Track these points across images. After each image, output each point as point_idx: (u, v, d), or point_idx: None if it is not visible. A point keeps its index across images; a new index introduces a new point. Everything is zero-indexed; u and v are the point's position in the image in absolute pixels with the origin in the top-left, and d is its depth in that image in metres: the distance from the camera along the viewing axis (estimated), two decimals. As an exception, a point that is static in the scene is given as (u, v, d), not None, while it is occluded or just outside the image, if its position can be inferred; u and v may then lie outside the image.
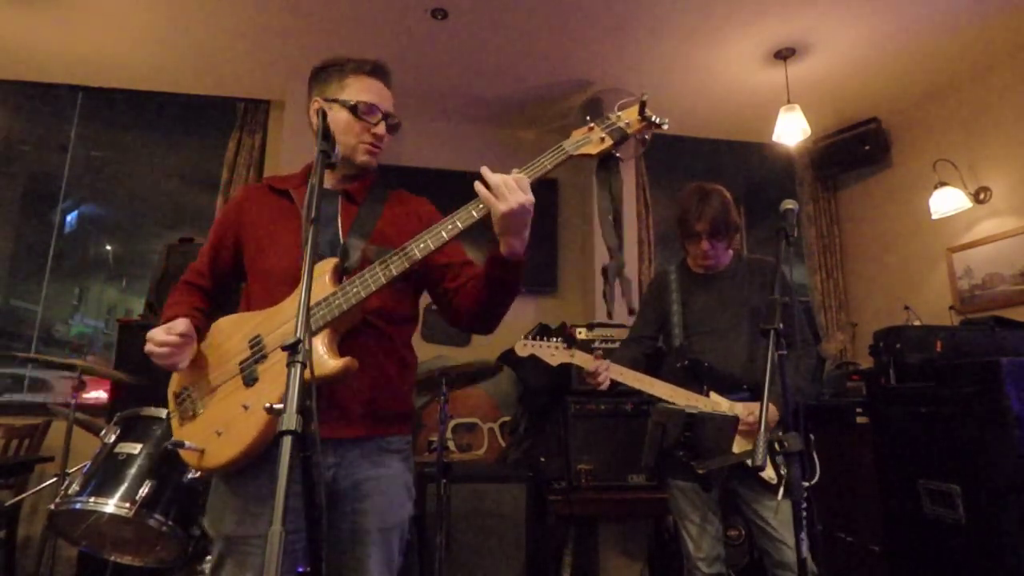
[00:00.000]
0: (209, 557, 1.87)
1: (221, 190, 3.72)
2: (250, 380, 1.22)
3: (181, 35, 3.25)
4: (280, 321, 1.24)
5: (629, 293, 1.28)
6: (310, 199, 1.04)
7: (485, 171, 1.18)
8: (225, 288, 1.49)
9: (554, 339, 2.08)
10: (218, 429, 1.20)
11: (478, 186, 1.17)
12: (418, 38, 3.23)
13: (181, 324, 1.26)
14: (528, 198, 1.17)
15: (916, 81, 3.60)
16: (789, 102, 3.42)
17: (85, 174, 3.89)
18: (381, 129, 1.40)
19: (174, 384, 1.34)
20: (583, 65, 3.47)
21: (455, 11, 3.01)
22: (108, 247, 4.08)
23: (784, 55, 3.31)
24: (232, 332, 1.30)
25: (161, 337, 1.24)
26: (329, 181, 1.42)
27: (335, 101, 1.38)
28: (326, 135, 1.16)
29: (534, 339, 2.10)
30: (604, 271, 1.35)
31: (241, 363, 1.24)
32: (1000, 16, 3.00)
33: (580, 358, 2.02)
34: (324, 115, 1.19)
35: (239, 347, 1.26)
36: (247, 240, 1.41)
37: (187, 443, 1.22)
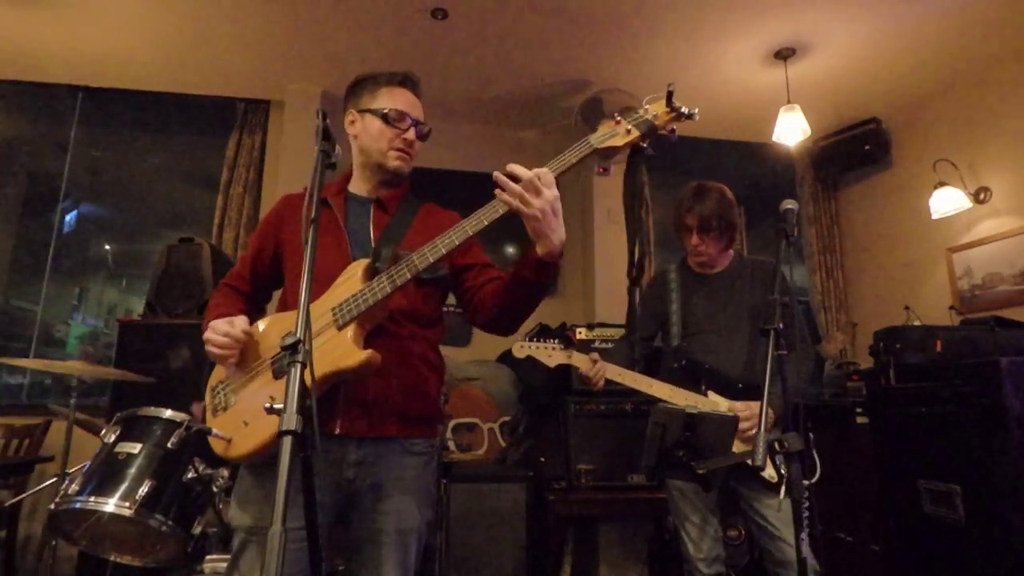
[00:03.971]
0: (209, 557, 1.88)
1: (221, 190, 3.72)
2: (280, 374, 1.26)
3: (181, 35, 3.25)
4: (312, 317, 1.26)
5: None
6: (310, 198, 1.05)
7: (501, 179, 1.17)
8: (265, 295, 1.55)
9: (551, 341, 2.09)
10: (245, 420, 1.24)
11: (499, 193, 1.17)
12: (418, 38, 3.23)
13: (242, 321, 1.30)
14: (551, 194, 1.16)
15: (916, 81, 3.60)
16: (789, 102, 3.42)
17: (85, 174, 3.89)
18: (411, 135, 1.45)
19: (212, 379, 1.38)
20: (583, 65, 3.47)
21: (455, 11, 3.01)
22: (108, 247, 4.08)
23: (784, 55, 3.32)
24: (269, 330, 1.34)
25: (225, 328, 1.27)
26: (363, 189, 1.50)
27: (368, 111, 1.45)
28: (326, 135, 1.16)
29: (532, 341, 2.10)
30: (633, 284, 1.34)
31: (273, 358, 1.28)
32: (1000, 16, 3.00)
33: (576, 359, 2.02)
34: (324, 115, 1.19)
35: (272, 343, 1.30)
36: (285, 246, 1.46)
37: (215, 431, 1.27)
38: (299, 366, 0.88)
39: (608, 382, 2.01)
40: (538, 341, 2.10)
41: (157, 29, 3.20)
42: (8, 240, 3.81)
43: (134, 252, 4.10)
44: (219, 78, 3.68)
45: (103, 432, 1.94)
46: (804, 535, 1.43)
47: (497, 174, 1.17)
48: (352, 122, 1.49)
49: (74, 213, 3.92)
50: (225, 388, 1.33)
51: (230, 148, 3.79)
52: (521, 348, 2.10)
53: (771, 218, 4.43)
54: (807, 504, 1.45)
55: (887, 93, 3.73)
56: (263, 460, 1.23)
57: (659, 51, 3.33)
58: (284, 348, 0.90)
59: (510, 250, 3.97)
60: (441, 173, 3.92)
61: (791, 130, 3.38)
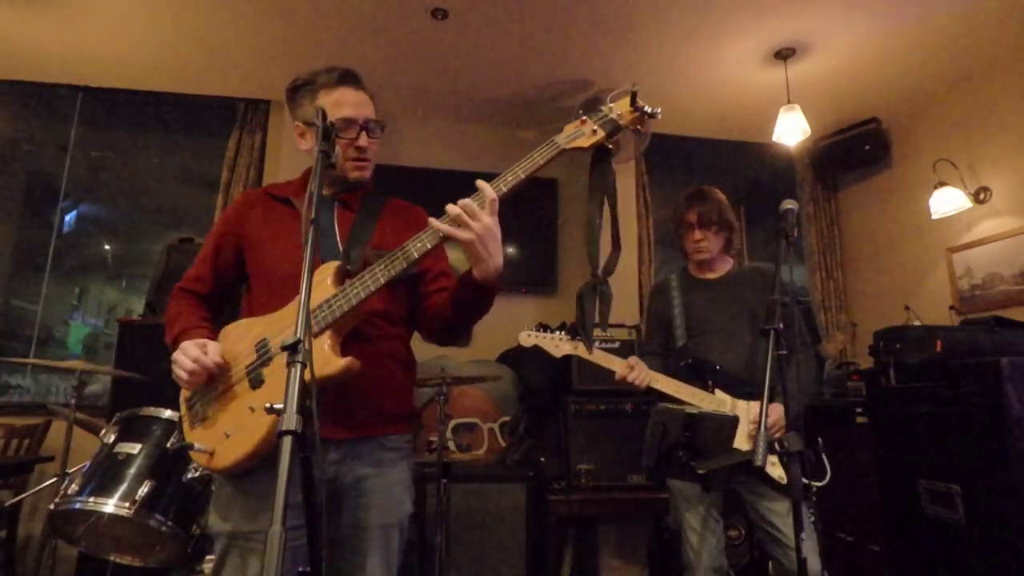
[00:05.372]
0: (209, 557, 1.88)
1: (221, 190, 3.72)
2: (256, 383, 1.23)
3: (181, 35, 3.25)
4: (285, 325, 1.25)
5: (607, 308, 1.22)
6: (310, 199, 1.05)
7: (449, 206, 1.16)
8: (226, 294, 1.49)
9: (558, 331, 2.12)
10: (227, 431, 1.23)
11: (432, 221, 1.17)
12: (418, 38, 3.23)
13: (215, 349, 1.25)
14: (488, 221, 1.16)
15: (916, 81, 3.60)
16: (789, 102, 3.41)
17: (85, 174, 3.89)
18: (363, 141, 1.37)
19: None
20: (583, 65, 3.47)
21: (455, 11, 3.00)
22: (108, 247, 4.08)
23: (784, 55, 3.31)
24: (240, 337, 1.31)
25: (196, 354, 1.23)
26: (326, 190, 1.44)
27: (312, 124, 1.35)
28: (326, 135, 1.16)
29: (538, 331, 2.12)
30: (579, 297, 1.31)
31: (248, 367, 1.26)
32: (1000, 16, 3.00)
33: (606, 360, 2.01)
34: (324, 115, 1.19)
35: (247, 351, 1.28)
36: (249, 247, 1.41)
37: (197, 445, 1.24)
38: (299, 366, 0.88)
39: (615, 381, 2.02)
40: (545, 331, 2.12)
41: (157, 29, 3.20)
42: (8, 240, 3.81)
43: (134, 252, 4.10)
44: (219, 78, 3.68)
45: (103, 432, 1.95)
46: (812, 540, 1.43)
47: (449, 206, 1.16)
48: (300, 135, 1.43)
49: (74, 213, 3.92)
50: (201, 399, 1.31)
51: (230, 148, 3.78)
52: (528, 337, 2.11)
53: (771, 218, 4.43)
54: (812, 510, 1.45)
55: (887, 93, 3.73)
56: (248, 469, 1.22)
57: (659, 51, 3.33)
58: (284, 348, 0.89)
59: (509, 250, 3.97)
60: (441, 173, 3.92)
61: (791, 130, 3.38)
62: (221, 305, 1.50)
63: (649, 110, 1.24)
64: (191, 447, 1.25)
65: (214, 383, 1.29)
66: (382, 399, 1.34)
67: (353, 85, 1.41)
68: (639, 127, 1.27)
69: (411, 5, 2.97)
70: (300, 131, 1.43)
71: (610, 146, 1.25)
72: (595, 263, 1.29)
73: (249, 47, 3.36)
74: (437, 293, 1.40)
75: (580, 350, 2.04)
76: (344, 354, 1.20)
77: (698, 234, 2.13)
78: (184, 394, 1.35)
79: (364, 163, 1.40)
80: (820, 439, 1.97)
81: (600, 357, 2.02)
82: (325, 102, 1.37)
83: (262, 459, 1.19)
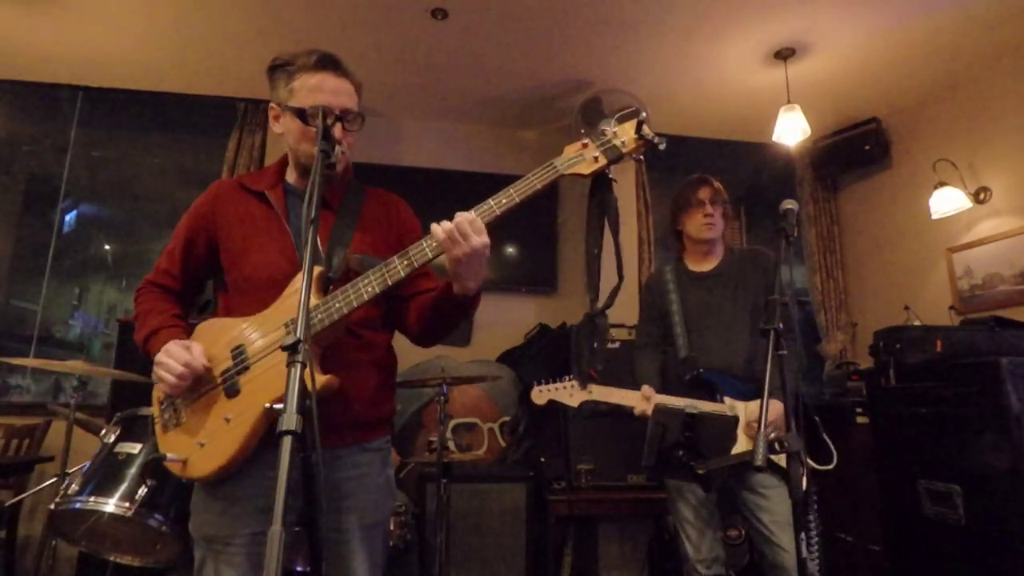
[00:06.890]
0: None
1: (221, 190, 3.71)
2: (232, 392, 1.21)
3: (181, 35, 3.25)
4: (263, 331, 1.22)
5: (602, 341, 1.18)
6: (309, 200, 1.04)
7: (433, 226, 1.16)
8: (195, 291, 1.45)
9: (566, 379, 2.08)
10: (201, 440, 1.20)
11: (435, 228, 1.16)
12: (418, 38, 3.23)
13: (199, 350, 1.21)
14: (479, 242, 1.14)
15: (916, 81, 3.60)
16: (789, 102, 3.41)
17: (85, 174, 3.89)
18: (337, 132, 1.25)
19: (158, 390, 1.30)
20: (583, 65, 3.47)
21: (455, 11, 3.00)
22: (108, 247, 4.08)
23: (784, 55, 3.31)
24: (216, 338, 1.27)
25: (186, 358, 1.18)
26: (302, 183, 1.35)
27: (288, 108, 1.30)
28: (326, 135, 1.15)
29: (546, 384, 2.09)
30: (576, 331, 1.26)
31: (223, 373, 1.23)
32: (1000, 17, 3.00)
33: (620, 396, 2.02)
34: (324, 115, 1.19)
35: (222, 355, 1.24)
36: (224, 243, 1.35)
37: (169, 455, 1.22)
38: (299, 366, 0.87)
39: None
40: (553, 382, 2.09)
41: (157, 29, 3.20)
42: (8, 240, 3.81)
43: (134, 252, 4.10)
44: (219, 78, 3.67)
45: (103, 432, 1.95)
46: (803, 535, 1.43)
47: (433, 225, 1.16)
48: (275, 117, 1.35)
49: (74, 213, 3.92)
50: (174, 402, 1.27)
51: (230, 148, 3.78)
52: (540, 393, 2.10)
53: (771, 218, 4.43)
54: (815, 507, 1.45)
55: (887, 93, 3.73)
56: (222, 479, 1.20)
57: (659, 51, 3.33)
58: (284, 348, 0.88)
59: (510, 250, 3.97)
60: (441, 173, 3.92)
61: (791, 130, 3.38)
62: (192, 299, 1.46)
63: (655, 140, 1.21)
64: (163, 457, 1.22)
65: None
66: (362, 407, 1.30)
67: (334, 71, 1.32)
68: (641, 156, 1.25)
69: (411, 5, 2.97)
70: (275, 113, 1.35)
71: (611, 177, 1.23)
72: (594, 294, 1.26)
73: (249, 47, 3.35)
74: (418, 296, 1.37)
75: (595, 393, 2.03)
76: (326, 364, 1.18)
77: (709, 208, 2.16)
78: (158, 394, 1.30)
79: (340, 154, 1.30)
80: (817, 418, 1.98)
81: (615, 395, 2.02)
82: (302, 86, 1.30)
83: (236, 469, 1.18)
